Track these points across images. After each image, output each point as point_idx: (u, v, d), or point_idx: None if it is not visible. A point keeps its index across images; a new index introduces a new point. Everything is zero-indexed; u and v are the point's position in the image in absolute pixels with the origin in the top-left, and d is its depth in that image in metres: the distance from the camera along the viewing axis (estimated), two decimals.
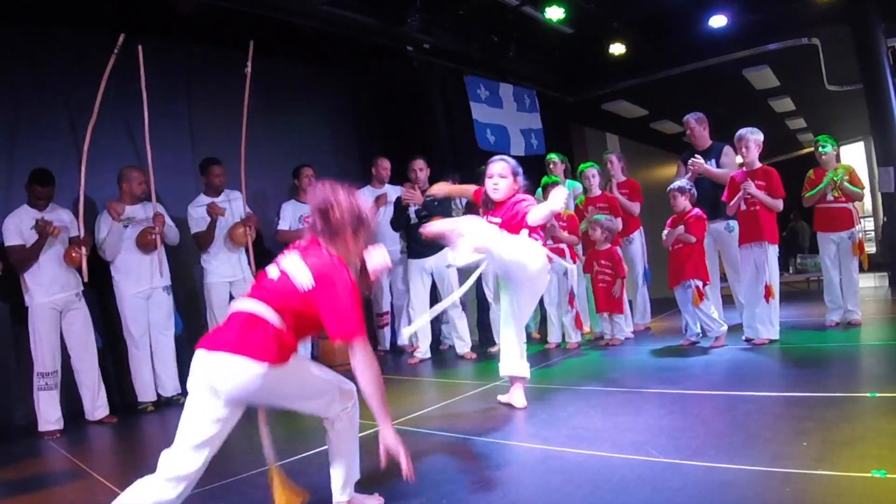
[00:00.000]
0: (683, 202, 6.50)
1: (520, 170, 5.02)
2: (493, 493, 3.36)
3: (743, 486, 2.99)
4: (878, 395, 4.15)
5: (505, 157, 5.08)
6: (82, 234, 5.73)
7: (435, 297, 7.50)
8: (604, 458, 3.60)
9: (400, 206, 7.42)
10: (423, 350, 7.45)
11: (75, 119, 6.22)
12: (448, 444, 4.21)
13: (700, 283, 6.40)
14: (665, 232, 6.61)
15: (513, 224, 4.77)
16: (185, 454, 2.68)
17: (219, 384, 2.64)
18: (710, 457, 3.35)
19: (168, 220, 6.32)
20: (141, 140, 6.14)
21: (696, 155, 6.97)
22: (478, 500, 3.21)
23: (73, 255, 5.55)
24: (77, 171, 5.77)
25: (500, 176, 4.92)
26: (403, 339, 7.71)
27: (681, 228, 6.45)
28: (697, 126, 7.21)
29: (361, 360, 2.81)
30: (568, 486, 3.32)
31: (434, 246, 6.74)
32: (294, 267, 2.88)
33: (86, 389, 5.72)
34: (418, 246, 7.25)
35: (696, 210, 6.50)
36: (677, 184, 6.64)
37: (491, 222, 4.84)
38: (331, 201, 2.98)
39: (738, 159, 6.73)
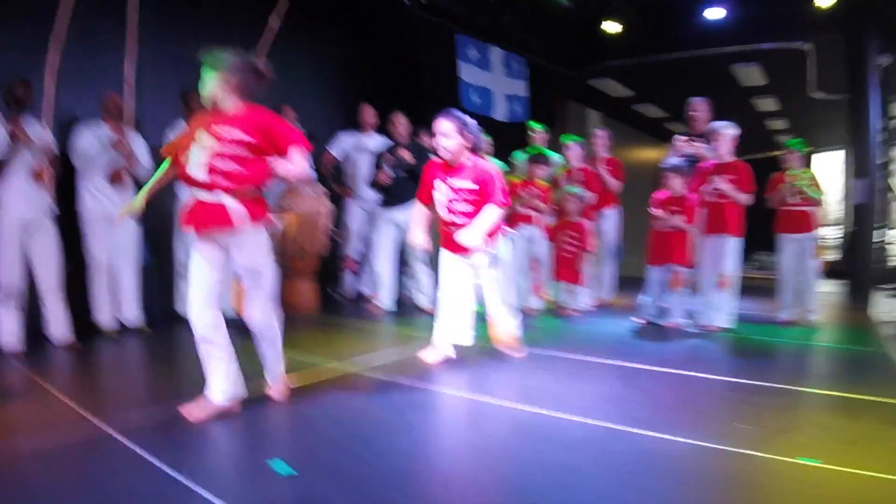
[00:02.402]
0: (679, 184, 6.53)
1: (468, 124, 4.81)
2: (442, 439, 3.55)
3: (681, 457, 3.17)
4: (817, 391, 4.35)
5: (451, 111, 4.85)
6: (52, 150, 5.54)
7: (402, 251, 7.63)
8: (553, 418, 3.74)
9: (378, 160, 7.47)
10: (383, 300, 7.54)
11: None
12: (398, 391, 4.33)
13: (683, 270, 6.55)
14: (658, 212, 6.61)
15: (485, 199, 4.77)
16: None
17: None
18: (653, 428, 3.51)
19: (143, 157, 6.13)
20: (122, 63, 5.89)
21: (693, 137, 7.09)
22: (424, 447, 3.38)
23: (42, 174, 5.36)
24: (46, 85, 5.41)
25: (443, 135, 4.77)
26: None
27: (678, 218, 6.49)
28: (704, 110, 7.33)
29: (298, 162, 3.35)
30: (516, 440, 3.51)
31: (405, 197, 6.82)
32: (243, 137, 3.31)
33: (48, 309, 5.61)
34: (390, 197, 7.33)
35: (691, 196, 6.53)
36: (673, 162, 6.70)
37: (456, 188, 4.85)
38: (249, 61, 3.43)
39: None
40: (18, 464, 3.04)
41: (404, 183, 7.09)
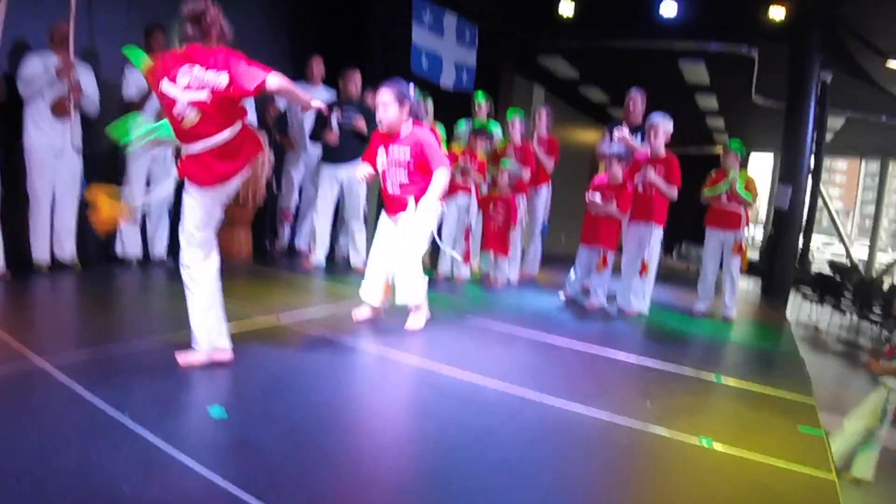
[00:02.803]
0: (618, 171, 6.66)
1: (408, 93, 4.90)
2: (368, 395, 3.70)
3: (588, 427, 3.37)
4: (722, 380, 4.59)
5: (391, 81, 4.93)
6: None
7: (338, 208, 7.67)
8: (473, 382, 3.91)
9: (320, 115, 7.33)
10: (319, 256, 7.55)
11: None
12: (329, 347, 4.44)
13: (609, 252, 6.74)
14: (594, 196, 6.72)
15: (421, 167, 4.87)
16: None
17: None
18: (564, 398, 3.70)
19: (90, 88, 5.98)
20: None
21: (624, 126, 7.21)
22: (351, 401, 3.52)
23: None
24: None
25: (383, 106, 4.84)
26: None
27: (612, 205, 6.62)
28: (641, 103, 7.48)
29: (280, 79, 3.41)
30: (437, 399, 3.67)
31: (349, 154, 6.86)
32: (211, 78, 3.34)
33: None
34: (334, 154, 7.32)
35: (630, 186, 6.69)
36: (618, 150, 6.80)
37: (394, 156, 4.93)
38: (201, 8, 3.41)
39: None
40: None
41: (350, 141, 7.12)
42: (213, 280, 3.69)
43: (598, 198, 6.68)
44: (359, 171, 5.15)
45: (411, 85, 5.01)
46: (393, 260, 5.04)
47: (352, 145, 7.00)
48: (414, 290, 5.07)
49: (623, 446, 3.19)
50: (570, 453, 3.06)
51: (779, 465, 3.08)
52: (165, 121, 3.60)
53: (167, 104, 3.42)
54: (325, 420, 3.11)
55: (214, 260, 3.72)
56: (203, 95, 3.32)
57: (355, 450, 2.88)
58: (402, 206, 4.94)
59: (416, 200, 4.88)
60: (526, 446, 3.07)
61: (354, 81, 7.47)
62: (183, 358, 3.63)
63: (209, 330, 3.68)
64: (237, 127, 3.49)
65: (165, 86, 3.38)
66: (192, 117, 3.37)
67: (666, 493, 2.78)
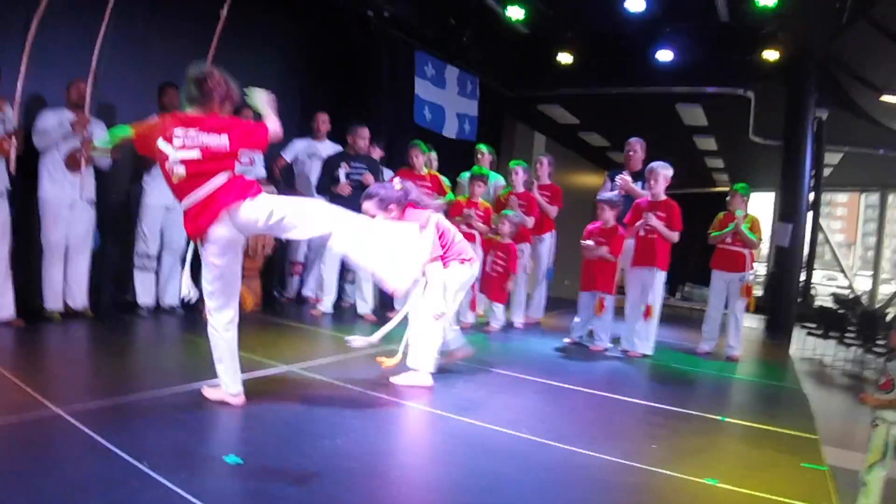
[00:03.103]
0: (610, 216, 6.88)
1: (391, 195, 4.94)
2: (380, 442, 3.77)
3: (595, 470, 3.47)
4: (726, 419, 4.69)
5: (369, 192, 5.04)
6: (16, 126, 5.46)
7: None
8: (483, 428, 4.00)
9: (328, 167, 7.60)
10: (326, 304, 7.67)
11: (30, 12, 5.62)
12: (342, 395, 4.54)
13: (606, 296, 6.87)
14: (587, 243, 6.93)
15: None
16: None
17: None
18: (571, 442, 3.80)
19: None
20: (91, 51, 5.73)
21: (625, 173, 7.39)
22: (358, 447, 3.57)
23: (4, 146, 5.33)
24: (18, 66, 5.38)
25: (370, 215, 4.80)
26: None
27: (604, 249, 6.82)
28: (641, 151, 7.62)
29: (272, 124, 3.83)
30: (447, 446, 3.80)
31: (356, 207, 7.00)
32: (207, 140, 3.57)
33: None
34: (341, 206, 7.36)
35: (621, 230, 6.89)
36: (608, 196, 7.02)
37: None
38: (205, 73, 3.66)
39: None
40: None
41: (357, 194, 7.28)
42: (220, 333, 3.87)
43: (589, 243, 6.86)
44: None
45: (391, 184, 5.10)
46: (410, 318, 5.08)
47: (359, 199, 7.16)
48: (419, 357, 4.96)
49: (631, 488, 3.28)
50: (579, 496, 3.16)
51: (782, 501, 3.16)
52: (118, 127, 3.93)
53: (161, 160, 3.63)
54: (337, 467, 3.19)
55: (225, 315, 3.87)
56: (195, 154, 3.53)
57: (367, 497, 2.96)
58: None
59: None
60: (535, 492, 3.16)
61: (363, 136, 7.59)
62: (206, 391, 3.93)
63: (220, 377, 3.90)
64: (220, 178, 3.62)
65: (161, 144, 3.58)
66: (180, 172, 3.56)
67: None
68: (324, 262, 7.62)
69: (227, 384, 3.90)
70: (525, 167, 8.03)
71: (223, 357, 3.88)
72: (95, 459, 3.00)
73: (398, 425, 4.19)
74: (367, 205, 4.90)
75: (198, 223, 3.64)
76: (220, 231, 3.67)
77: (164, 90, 6.58)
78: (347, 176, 7.44)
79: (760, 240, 7.18)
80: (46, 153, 5.90)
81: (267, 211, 3.66)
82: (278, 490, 2.85)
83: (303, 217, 3.75)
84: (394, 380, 4.89)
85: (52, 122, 5.84)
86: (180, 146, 3.54)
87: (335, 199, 7.47)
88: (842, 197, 41.52)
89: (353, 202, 7.20)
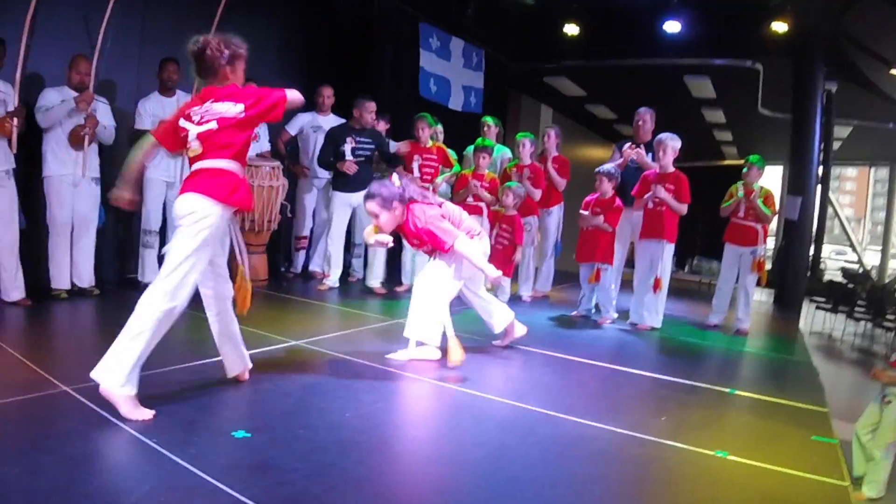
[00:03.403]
0: (608, 187, 6.82)
1: (393, 193, 4.73)
2: (387, 415, 3.75)
3: (603, 442, 3.43)
4: (736, 392, 4.64)
5: (370, 192, 4.77)
6: (17, 105, 5.41)
7: (349, 231, 7.78)
8: (489, 400, 3.99)
9: (331, 140, 7.48)
10: (333, 279, 7.63)
11: None
12: (348, 368, 4.52)
13: (603, 266, 6.83)
14: (584, 213, 6.90)
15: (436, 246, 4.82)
16: None
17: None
18: (579, 414, 3.77)
19: (106, 120, 6.10)
20: (95, 27, 5.73)
21: (637, 144, 7.30)
22: (366, 420, 3.54)
23: (6, 125, 5.29)
24: (18, 44, 5.36)
25: (375, 216, 4.77)
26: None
27: (600, 218, 6.77)
28: (650, 122, 7.51)
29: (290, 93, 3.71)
30: (455, 418, 3.78)
31: (361, 183, 6.94)
32: (221, 108, 3.48)
33: (3, 269, 5.56)
34: (347, 181, 7.38)
35: (618, 200, 6.84)
36: (606, 168, 6.94)
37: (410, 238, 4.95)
38: (201, 44, 3.53)
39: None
40: None
41: (363, 169, 7.25)
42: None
43: (586, 213, 6.86)
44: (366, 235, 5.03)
45: (390, 181, 4.85)
46: (416, 291, 4.98)
47: (365, 173, 7.13)
48: (424, 329, 4.87)
49: (638, 460, 3.25)
50: (585, 469, 3.12)
51: (792, 474, 3.13)
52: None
53: (183, 139, 3.54)
54: (345, 440, 3.18)
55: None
56: (212, 125, 3.45)
57: (376, 469, 2.94)
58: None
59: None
60: (542, 463, 3.14)
61: (369, 110, 7.47)
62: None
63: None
64: (229, 163, 3.52)
65: (182, 122, 3.51)
66: (195, 147, 3.48)
67: None
68: (330, 238, 7.58)
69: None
70: (532, 139, 7.95)
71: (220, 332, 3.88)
72: (102, 435, 3.00)
73: (405, 398, 4.17)
74: (371, 205, 4.74)
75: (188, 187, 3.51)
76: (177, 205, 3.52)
77: (164, 65, 6.55)
78: (353, 151, 7.37)
79: (774, 213, 7.09)
80: (50, 132, 5.85)
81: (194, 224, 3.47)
82: (286, 464, 2.83)
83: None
84: (398, 355, 4.84)
85: (55, 99, 5.79)
86: (199, 121, 3.47)
87: (338, 175, 7.45)
88: (851, 171, 41.33)
89: (357, 179, 7.18)
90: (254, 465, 2.84)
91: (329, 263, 7.63)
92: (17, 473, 2.53)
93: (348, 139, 7.35)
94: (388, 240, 4.91)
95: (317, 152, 7.83)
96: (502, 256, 7.32)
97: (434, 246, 4.77)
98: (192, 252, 3.38)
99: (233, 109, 3.46)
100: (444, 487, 2.85)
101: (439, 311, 4.81)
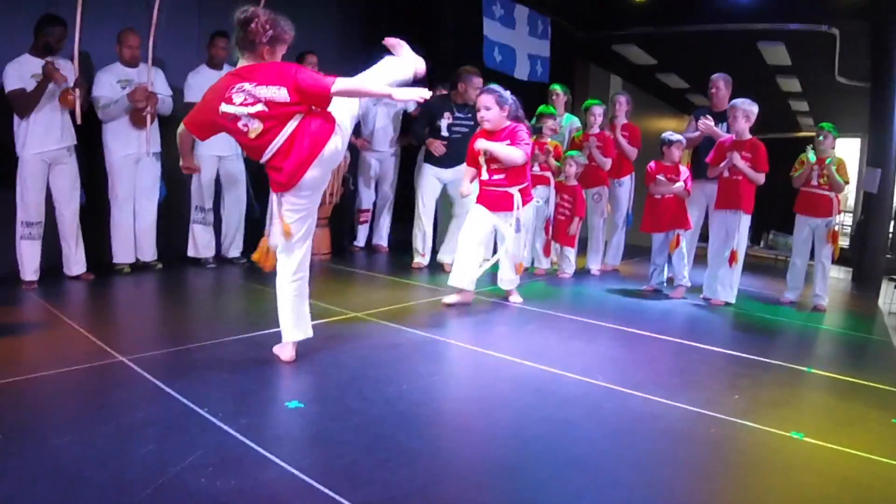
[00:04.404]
0: (677, 155, 6.65)
1: (507, 98, 5.38)
2: (446, 388, 3.69)
3: (673, 419, 3.30)
4: (813, 371, 4.45)
5: (491, 87, 5.44)
6: (77, 78, 5.47)
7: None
8: (553, 374, 3.88)
9: (426, 113, 7.23)
10: (425, 258, 7.49)
11: None
12: (408, 340, 4.48)
13: (682, 231, 6.65)
14: (657, 180, 6.68)
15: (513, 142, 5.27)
16: None
17: None
18: (648, 390, 3.65)
19: (162, 90, 6.18)
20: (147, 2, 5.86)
21: (707, 115, 7.01)
22: (429, 394, 3.49)
23: (69, 97, 5.34)
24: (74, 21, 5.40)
25: (486, 108, 5.34)
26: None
27: (680, 185, 6.57)
28: (725, 88, 7.21)
29: (345, 83, 3.44)
30: (516, 392, 3.64)
31: (454, 159, 6.84)
32: (266, 93, 3.39)
33: (66, 244, 5.68)
34: (440, 157, 7.17)
35: (686, 168, 6.68)
36: (676, 136, 6.75)
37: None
38: (250, 14, 3.44)
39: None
40: (40, 389, 3.19)
41: (458, 144, 7.01)
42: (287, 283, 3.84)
43: (662, 178, 6.67)
44: (464, 191, 5.79)
45: (507, 92, 5.43)
46: (501, 249, 5.66)
47: (460, 149, 6.87)
48: (513, 279, 5.85)
49: (709, 439, 3.11)
50: (653, 446, 3.00)
51: (873, 458, 2.97)
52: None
53: (231, 124, 3.46)
54: (401, 413, 3.13)
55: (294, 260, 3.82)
56: (260, 107, 3.37)
57: (432, 443, 2.88)
58: (504, 200, 5.48)
59: (521, 193, 5.51)
60: (607, 439, 3.03)
61: (475, 86, 6.95)
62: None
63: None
64: (295, 122, 3.46)
65: (224, 108, 3.42)
66: (255, 128, 3.40)
67: (753, 487, 2.69)
68: (418, 213, 7.43)
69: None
70: (602, 107, 7.75)
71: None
72: (156, 404, 3.02)
73: (465, 371, 4.10)
74: (486, 98, 5.36)
75: (289, 173, 3.49)
76: (312, 173, 3.53)
77: (213, 40, 6.50)
78: (449, 127, 7.17)
79: (847, 182, 6.78)
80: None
81: (342, 134, 3.64)
82: (339, 435, 2.80)
83: None
84: (515, 300, 5.84)
85: (108, 86, 5.86)
86: (243, 102, 3.39)
87: (430, 154, 7.32)
88: None
89: (450, 155, 7.04)
90: (306, 436, 2.84)
91: (422, 239, 7.48)
92: (72, 440, 2.58)
93: (446, 114, 7.14)
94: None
95: (376, 124, 7.76)
96: (564, 227, 7.21)
97: (513, 164, 5.39)
98: None
99: (279, 94, 3.37)
100: (504, 463, 2.77)
101: (472, 255, 5.50)
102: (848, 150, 16.23)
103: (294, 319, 3.80)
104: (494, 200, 5.50)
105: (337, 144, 3.55)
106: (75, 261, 5.72)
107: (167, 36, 6.30)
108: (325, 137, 3.49)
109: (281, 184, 3.54)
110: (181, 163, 3.93)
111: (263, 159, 3.53)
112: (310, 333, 3.90)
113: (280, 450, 2.59)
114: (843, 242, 11.94)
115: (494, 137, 5.38)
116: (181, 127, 3.70)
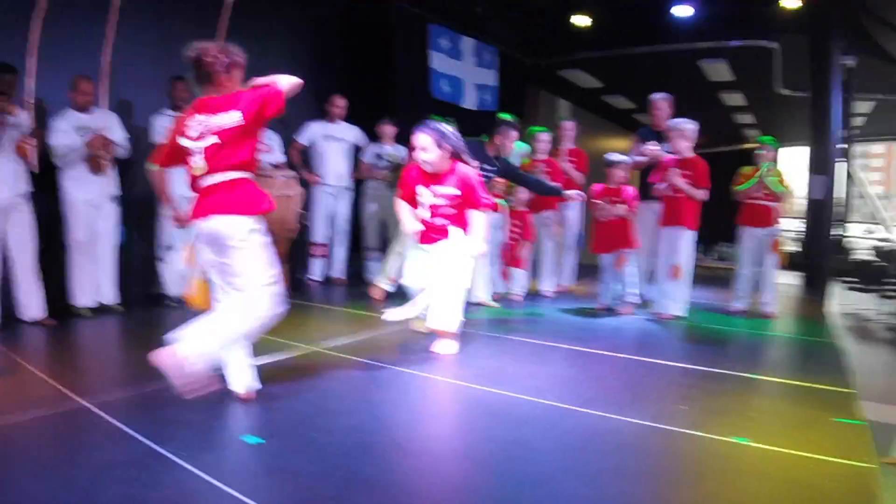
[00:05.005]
0: (620, 176, 6.81)
1: (446, 134, 4.84)
2: (399, 416, 3.72)
3: (625, 434, 3.38)
4: (759, 377, 4.58)
5: (428, 125, 4.87)
6: (32, 127, 5.49)
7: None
8: (506, 397, 3.94)
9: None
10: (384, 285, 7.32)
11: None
12: (362, 370, 4.53)
13: (626, 252, 6.79)
14: (600, 203, 6.85)
15: (470, 202, 4.90)
16: None
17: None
18: (600, 407, 3.72)
19: (117, 136, 6.14)
20: (100, 48, 5.76)
21: (654, 142, 7.19)
22: (385, 423, 3.55)
23: (26, 146, 5.35)
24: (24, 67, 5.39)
25: (423, 149, 4.83)
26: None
27: (622, 207, 6.74)
28: (667, 108, 7.45)
29: (284, 81, 3.63)
30: (470, 416, 3.74)
31: None
32: (219, 121, 3.43)
33: (22, 290, 5.58)
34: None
35: (632, 188, 6.85)
36: (619, 157, 6.91)
37: (439, 194, 4.91)
38: (199, 50, 3.51)
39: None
40: (1, 436, 3.16)
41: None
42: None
43: (602, 202, 6.84)
44: (410, 230, 5.08)
45: (445, 127, 4.95)
46: (434, 285, 4.99)
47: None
48: (447, 318, 4.95)
49: (661, 452, 3.21)
50: (607, 462, 3.06)
51: (820, 458, 3.07)
52: None
53: (186, 158, 3.53)
54: (358, 442, 3.16)
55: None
56: (214, 140, 3.42)
57: (390, 471, 2.92)
58: (442, 235, 4.98)
59: (462, 229, 4.95)
60: (561, 458, 3.09)
61: (511, 138, 6.79)
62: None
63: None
64: (237, 175, 3.51)
65: (182, 142, 3.49)
66: (199, 164, 3.46)
67: (705, 495, 2.77)
68: (402, 242, 7.35)
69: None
70: (548, 133, 7.89)
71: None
72: (119, 446, 3.03)
73: (420, 398, 4.14)
74: (423, 138, 4.80)
75: (195, 208, 3.55)
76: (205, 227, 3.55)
77: (174, 84, 6.54)
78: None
79: (788, 190, 7.01)
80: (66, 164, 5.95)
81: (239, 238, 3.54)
82: (299, 467, 2.83)
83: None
84: (438, 350, 4.98)
85: (63, 133, 5.83)
86: (197, 136, 3.45)
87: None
88: (878, 148, 40.77)
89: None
90: (266, 469, 2.86)
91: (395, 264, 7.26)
92: (37, 486, 2.62)
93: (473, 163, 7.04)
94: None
95: (329, 161, 7.86)
96: (514, 251, 7.33)
97: (466, 200, 4.89)
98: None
99: (231, 119, 3.42)
100: (461, 485, 2.83)
101: (460, 301, 4.97)
102: (796, 159, 16.51)
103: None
104: (434, 237, 5.02)
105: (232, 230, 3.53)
106: (32, 305, 5.63)
107: (130, 77, 6.40)
108: (258, 203, 3.57)
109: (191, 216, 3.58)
110: (171, 213, 3.99)
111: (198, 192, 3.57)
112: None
113: (242, 485, 2.63)
114: (794, 248, 12.17)
115: (437, 179, 4.92)
116: (151, 167, 3.77)
